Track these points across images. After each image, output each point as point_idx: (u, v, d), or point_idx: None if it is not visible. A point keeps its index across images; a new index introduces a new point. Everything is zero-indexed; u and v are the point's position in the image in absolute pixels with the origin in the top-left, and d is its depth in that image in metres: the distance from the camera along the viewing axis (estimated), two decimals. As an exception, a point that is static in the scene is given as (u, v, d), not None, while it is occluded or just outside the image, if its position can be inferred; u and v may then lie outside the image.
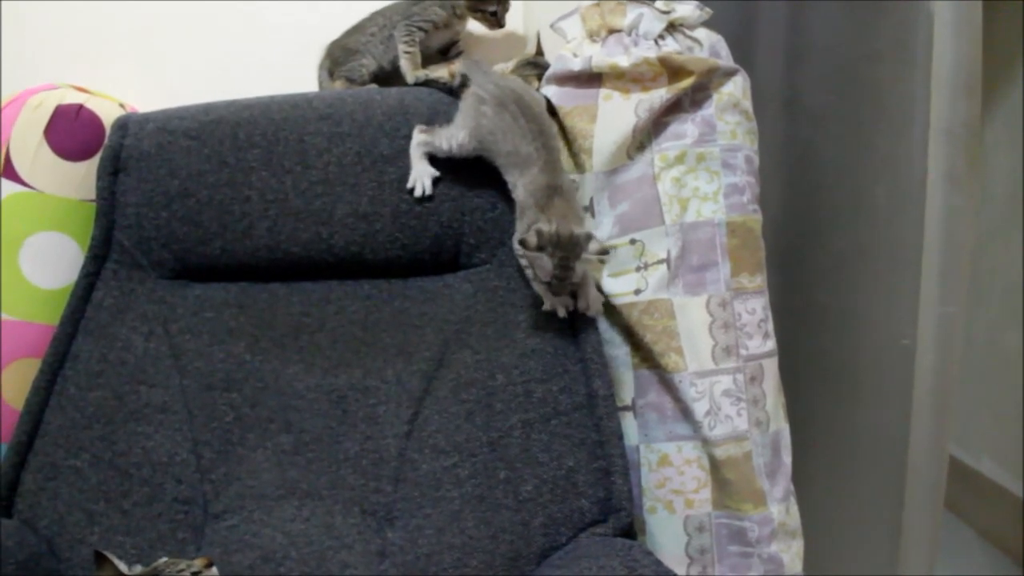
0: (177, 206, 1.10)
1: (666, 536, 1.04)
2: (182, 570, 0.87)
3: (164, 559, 0.90)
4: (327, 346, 1.05)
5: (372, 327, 1.06)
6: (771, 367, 1.07)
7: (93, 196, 1.14)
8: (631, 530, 0.98)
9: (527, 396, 1.00)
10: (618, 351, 1.07)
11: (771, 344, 1.07)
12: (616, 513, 0.97)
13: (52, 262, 1.15)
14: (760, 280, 1.07)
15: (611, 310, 1.07)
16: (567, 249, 0.94)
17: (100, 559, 0.87)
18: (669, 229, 1.05)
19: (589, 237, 0.95)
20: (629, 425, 1.05)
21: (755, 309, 1.06)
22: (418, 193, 1.06)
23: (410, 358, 1.03)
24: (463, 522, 0.96)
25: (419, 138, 1.06)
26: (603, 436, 0.99)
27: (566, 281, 0.96)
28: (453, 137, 1.04)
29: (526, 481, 0.97)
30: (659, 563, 0.89)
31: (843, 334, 1.26)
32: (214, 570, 0.89)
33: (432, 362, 1.03)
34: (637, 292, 1.05)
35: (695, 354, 1.03)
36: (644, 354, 1.05)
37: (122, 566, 0.87)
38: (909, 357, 1.20)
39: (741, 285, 1.05)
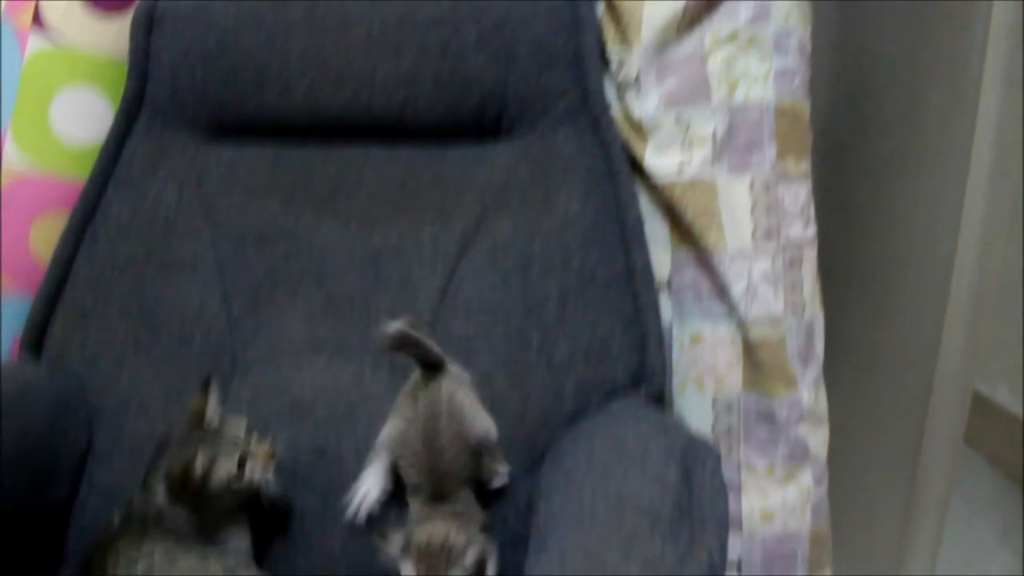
0: (213, 63, 1.07)
1: (693, 415, 1.04)
2: (236, 447, 0.85)
3: (245, 420, 0.88)
4: (363, 207, 1.04)
5: (410, 190, 1.04)
6: (810, 254, 1.05)
7: (126, 54, 1.12)
8: (662, 400, 0.98)
9: (564, 264, 0.99)
10: (657, 228, 1.05)
11: (812, 231, 1.05)
12: (649, 382, 0.97)
13: (83, 117, 1.13)
14: (805, 166, 1.05)
15: (652, 186, 1.05)
16: (434, 560, 0.80)
17: (206, 387, 0.89)
18: (716, 108, 1.03)
19: (466, 547, 0.80)
20: (663, 303, 1.04)
21: (799, 195, 1.04)
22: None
23: (447, 222, 1.02)
24: (494, 384, 0.95)
25: None
26: (639, 308, 0.98)
27: None
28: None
29: (559, 347, 0.96)
30: (690, 430, 0.89)
31: (881, 235, 1.24)
32: (270, 471, 0.87)
33: (469, 226, 1.02)
34: (680, 169, 1.03)
35: (735, 234, 1.02)
36: (683, 232, 1.04)
37: (211, 408, 0.88)
38: (948, 263, 1.18)
39: (786, 169, 1.04)
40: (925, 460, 1.28)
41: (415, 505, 0.86)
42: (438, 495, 0.85)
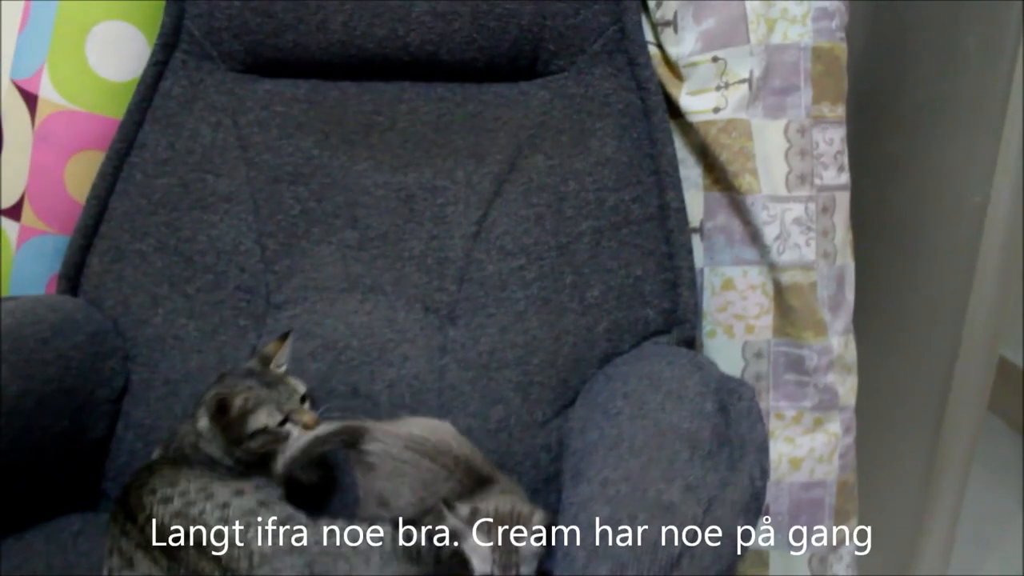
0: (249, -3, 1.07)
1: (723, 361, 1.03)
2: (283, 407, 0.84)
3: (305, 386, 0.87)
4: (397, 145, 1.04)
5: (444, 129, 1.04)
6: (843, 200, 1.05)
7: (162, -14, 1.12)
8: (693, 344, 0.98)
9: (599, 203, 0.99)
10: (690, 172, 1.05)
11: (845, 177, 1.05)
12: (680, 325, 0.97)
13: (118, 53, 1.12)
14: (841, 111, 1.04)
15: (687, 128, 1.05)
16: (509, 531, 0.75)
17: (285, 337, 0.90)
18: (754, 49, 1.02)
19: (533, 515, 0.77)
20: (695, 248, 1.04)
21: (833, 139, 1.04)
22: None
23: (482, 160, 1.02)
24: (527, 322, 0.96)
25: None
26: (672, 248, 0.98)
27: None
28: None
29: (592, 287, 0.97)
30: (721, 371, 0.89)
31: (913, 185, 1.23)
32: (305, 434, 0.85)
33: (504, 165, 1.01)
34: (716, 111, 1.02)
35: (769, 178, 1.01)
36: (717, 175, 1.03)
37: (281, 357, 0.89)
38: (979, 215, 1.17)
39: (821, 113, 1.03)
40: (949, 417, 1.28)
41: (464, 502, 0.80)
42: (482, 480, 0.83)
